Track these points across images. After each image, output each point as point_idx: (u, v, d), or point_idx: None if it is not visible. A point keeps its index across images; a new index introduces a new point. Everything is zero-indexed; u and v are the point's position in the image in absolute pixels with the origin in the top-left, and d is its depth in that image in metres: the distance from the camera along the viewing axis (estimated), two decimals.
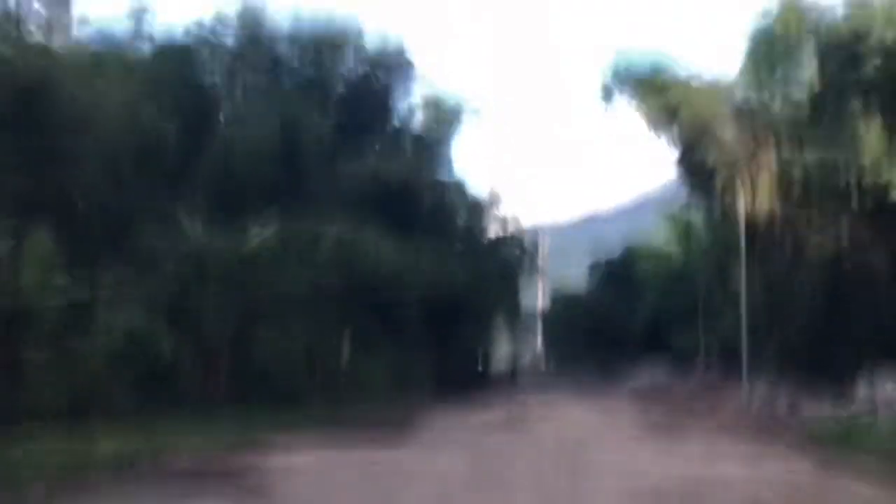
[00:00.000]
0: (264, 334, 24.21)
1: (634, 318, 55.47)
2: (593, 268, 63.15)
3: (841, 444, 17.62)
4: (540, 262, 57.79)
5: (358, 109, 38.42)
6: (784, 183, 26.74)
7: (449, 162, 45.57)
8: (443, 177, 46.13)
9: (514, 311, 53.28)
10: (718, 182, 28.61)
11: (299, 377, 24.51)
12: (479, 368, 60.48)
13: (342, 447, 16.05)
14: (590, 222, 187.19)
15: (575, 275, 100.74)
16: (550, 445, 16.61)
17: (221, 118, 34.33)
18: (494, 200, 54.07)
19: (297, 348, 24.79)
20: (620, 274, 59.54)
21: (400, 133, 42.21)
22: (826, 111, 25.48)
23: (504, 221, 54.79)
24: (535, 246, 55.52)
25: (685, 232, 52.43)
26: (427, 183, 41.89)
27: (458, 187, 49.11)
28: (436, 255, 34.94)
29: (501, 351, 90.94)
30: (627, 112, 32.57)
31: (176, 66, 33.31)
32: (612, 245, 65.38)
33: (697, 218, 53.75)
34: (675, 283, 51.62)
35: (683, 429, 21.41)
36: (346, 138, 36.15)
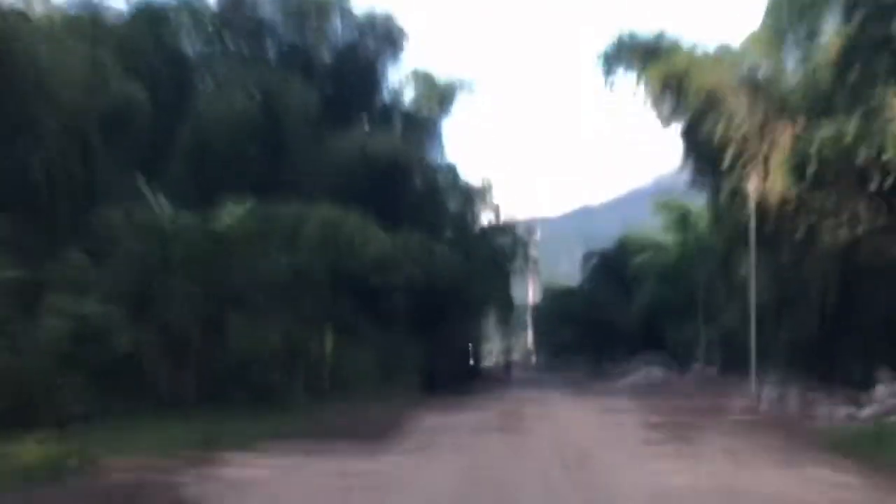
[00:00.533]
0: (239, 324, 22.05)
1: (629, 312, 53.46)
2: (587, 259, 61.07)
3: (875, 450, 15.64)
4: (532, 252, 55.71)
5: (345, 81, 36.20)
6: (798, 160, 24.69)
7: (440, 143, 43.53)
8: (434, 158, 44.06)
9: (506, 303, 51.16)
10: (726, 159, 26.55)
11: (278, 372, 22.37)
12: (471, 363, 58.62)
13: (316, 453, 13.90)
14: (582, 215, 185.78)
15: (566, 268, 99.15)
16: (555, 453, 14.49)
17: (199, 88, 32.07)
18: (487, 188, 52.10)
19: (276, 340, 22.64)
20: (615, 265, 57.53)
21: (389, 109, 40.03)
22: (848, 75, 23.27)
23: (496, 209, 52.82)
24: (528, 237, 53.48)
25: (682, 220, 50.49)
26: (417, 164, 39.82)
27: (450, 171, 47.02)
28: (426, 242, 32.79)
29: (493, 345, 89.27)
30: (628, 88, 30.58)
31: (152, 31, 31.12)
32: (605, 238, 63.41)
33: (696, 204, 52.12)
34: (673, 275, 49.68)
35: (693, 429, 19.40)
36: (333, 112, 33.92)
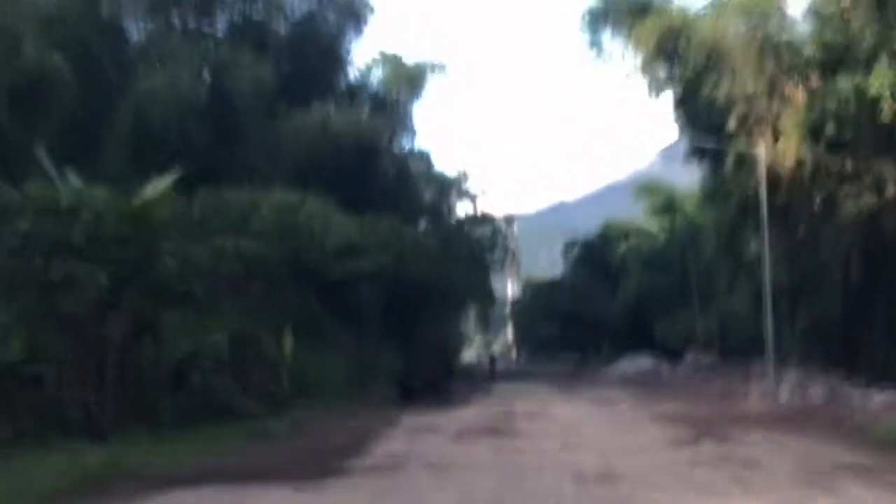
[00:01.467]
0: (175, 323, 18.20)
1: (614, 303, 49.97)
2: (567, 249, 57.35)
3: None
4: (512, 244, 52.15)
5: (304, 57, 32.31)
6: (814, 119, 21.32)
7: (411, 127, 39.74)
8: (405, 144, 40.43)
9: (486, 297, 47.51)
10: (731, 123, 23.11)
11: (224, 380, 18.50)
12: (451, 360, 54.94)
13: (247, 484, 10.12)
14: (558, 211, 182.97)
15: (544, 264, 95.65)
16: (567, 467, 10.83)
17: (140, 64, 28.11)
18: (463, 178, 48.57)
19: (221, 341, 18.78)
20: (597, 256, 54.03)
21: (356, 90, 36.19)
22: (872, 16, 19.91)
23: (474, 200, 49.25)
24: (507, 228, 49.91)
25: (667, 204, 47.14)
26: (387, 148, 36.13)
27: (423, 158, 43.45)
28: (395, 227, 29.04)
29: (473, 341, 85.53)
30: (614, 58, 27.16)
31: (86, 2, 27.37)
32: (582, 233, 59.47)
33: (680, 189, 48.79)
34: (660, 262, 46.26)
35: (717, 424, 15.87)
36: (292, 90, 30.07)
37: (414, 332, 39.29)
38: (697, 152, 27.93)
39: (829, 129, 20.72)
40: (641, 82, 26.45)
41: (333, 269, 24.82)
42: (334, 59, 33.95)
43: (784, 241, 23.64)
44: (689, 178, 49.87)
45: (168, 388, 16.87)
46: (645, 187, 49.70)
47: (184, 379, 17.26)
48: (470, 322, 66.25)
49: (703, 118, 25.39)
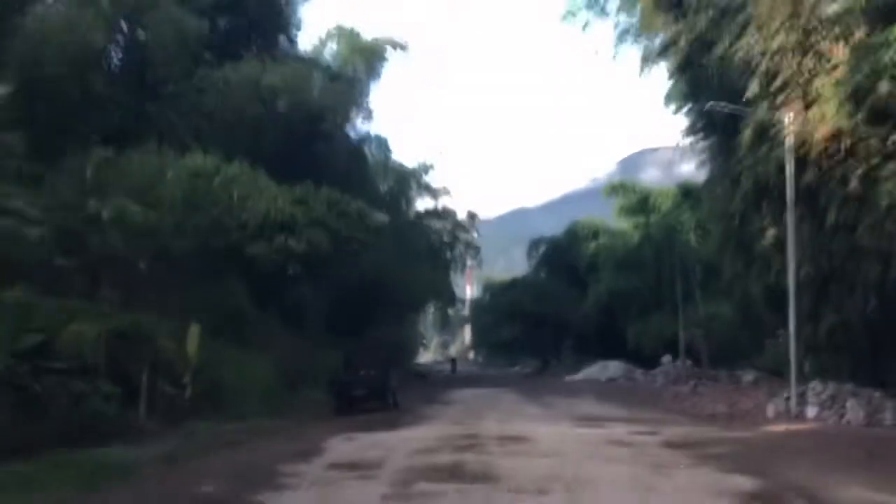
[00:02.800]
0: (29, 312, 12.77)
1: (582, 304, 45.12)
2: (532, 248, 52.28)
3: None
4: (474, 238, 47.10)
5: (242, 11, 26.91)
6: (858, 82, 16.63)
7: (368, 109, 34.41)
8: (361, 126, 35.19)
9: (445, 294, 42.43)
10: (753, 87, 18.34)
11: (96, 388, 13.08)
12: (403, 362, 49.59)
13: None
14: (518, 216, 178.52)
15: (503, 269, 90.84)
16: None
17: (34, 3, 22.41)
18: (423, 169, 43.52)
19: (95, 336, 13.36)
20: (564, 255, 49.10)
21: (307, 63, 30.63)
22: None
23: (435, 194, 44.18)
24: (470, 223, 44.94)
25: (642, 202, 42.55)
26: (339, 126, 30.86)
27: (381, 144, 38.21)
28: (337, 198, 23.66)
29: (430, 341, 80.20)
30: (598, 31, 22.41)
31: None
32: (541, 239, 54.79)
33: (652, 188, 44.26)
34: (634, 262, 41.55)
35: (772, 465, 10.92)
36: (226, 49, 24.73)
37: (365, 333, 34.06)
38: (705, 126, 23.13)
39: (882, 87, 15.99)
40: (632, 56, 21.58)
41: (256, 248, 19.42)
42: (276, 17, 28.45)
43: (811, 229, 18.91)
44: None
45: (34, 408, 11.44)
46: (617, 185, 45.10)
47: (22, 388, 11.78)
48: (427, 322, 61.18)
49: (712, 86, 20.60)
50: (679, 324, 36.47)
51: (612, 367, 38.65)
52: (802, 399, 18.06)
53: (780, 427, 16.29)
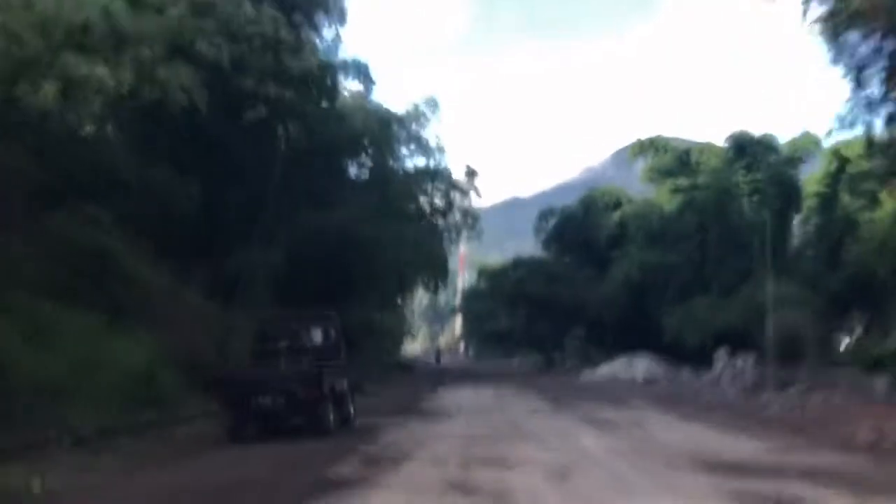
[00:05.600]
0: None
1: (599, 286, 36.16)
2: (542, 220, 42.81)
3: None
4: (471, 208, 37.70)
5: None
6: None
7: (341, 10, 25.10)
8: (327, 35, 25.90)
9: (438, 267, 33.18)
10: None
11: None
12: (387, 352, 40.42)
13: None
14: (512, 206, 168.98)
15: (496, 260, 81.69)
16: None
17: None
18: (414, 117, 34.25)
19: None
20: (579, 229, 39.91)
21: None
22: None
23: (427, 149, 34.91)
24: (469, 183, 35.57)
25: (681, 161, 33.56)
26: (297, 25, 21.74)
27: (360, 72, 28.82)
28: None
29: (417, 331, 70.73)
30: None
31: None
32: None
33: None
34: (671, 235, 32.59)
35: None
36: None
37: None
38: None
39: None
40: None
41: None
42: None
43: None
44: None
45: None
46: (646, 143, 36.02)
47: None
48: (417, 312, 52.00)
49: None
50: (733, 310, 27.58)
51: (643, 364, 29.65)
52: None
53: None
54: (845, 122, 16.40)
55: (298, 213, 23.93)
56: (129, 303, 13.36)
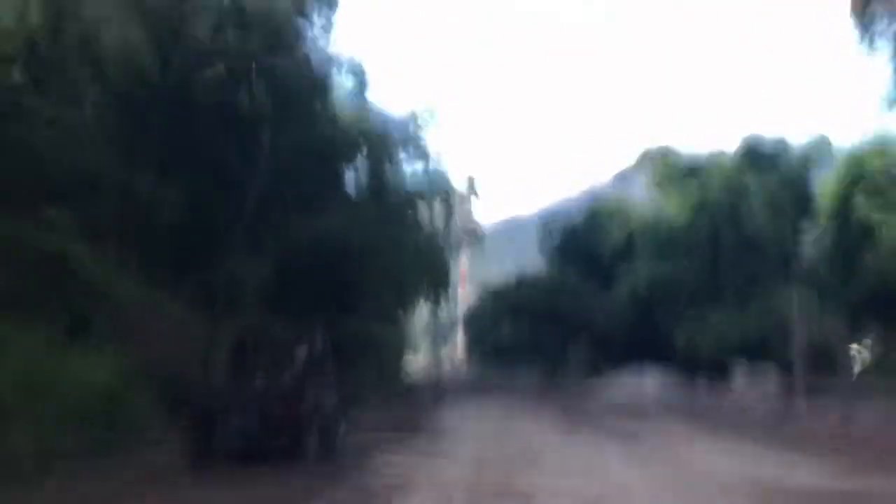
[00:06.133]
0: None
1: (605, 299, 34.53)
2: (545, 234, 41.23)
3: None
4: (470, 222, 36.16)
5: None
6: None
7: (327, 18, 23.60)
8: (320, 25, 24.35)
9: (440, 279, 31.60)
10: None
11: None
12: (390, 369, 38.50)
13: None
14: (512, 225, 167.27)
15: (496, 277, 79.89)
16: None
17: None
18: (414, 122, 32.81)
19: None
20: (583, 243, 38.35)
21: None
22: None
23: (426, 157, 33.47)
24: (470, 191, 34.11)
25: (690, 173, 32.12)
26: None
27: (353, 71, 27.34)
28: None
29: (419, 347, 68.69)
30: None
31: None
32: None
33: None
34: (681, 245, 31.02)
35: None
36: None
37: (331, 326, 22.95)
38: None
39: None
40: None
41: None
42: None
43: None
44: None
45: None
46: (654, 152, 34.60)
47: None
48: (416, 322, 50.11)
49: None
50: (749, 322, 26.06)
51: (654, 378, 28.08)
52: None
53: None
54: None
55: (289, 220, 22.43)
56: (95, 315, 11.83)
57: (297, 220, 22.40)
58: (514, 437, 12.93)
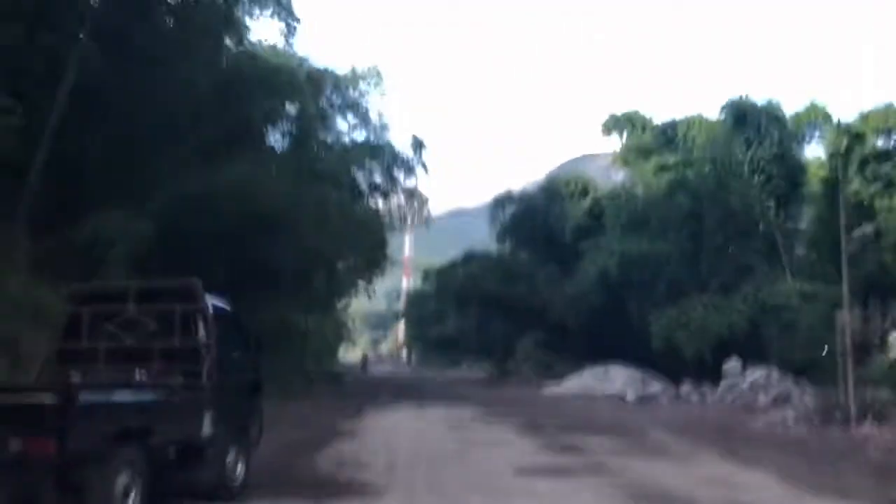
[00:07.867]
0: None
1: (568, 287, 30.06)
2: (497, 208, 36.32)
3: None
4: (417, 192, 31.07)
5: None
6: None
7: None
8: None
9: (376, 252, 26.51)
10: None
11: None
12: (319, 360, 33.09)
13: None
14: (457, 217, 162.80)
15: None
16: None
17: None
18: (353, 80, 28.04)
19: None
20: (540, 220, 33.78)
21: None
22: None
23: (366, 117, 28.58)
24: (417, 152, 28.99)
25: (665, 135, 27.88)
26: None
27: (277, 3, 22.04)
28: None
29: (357, 337, 63.25)
30: None
31: None
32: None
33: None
34: (657, 223, 26.67)
35: None
36: None
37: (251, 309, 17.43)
38: None
39: None
40: None
41: None
42: None
43: None
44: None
45: None
46: (622, 118, 30.21)
47: None
48: (353, 313, 44.89)
49: None
50: (737, 312, 21.90)
51: (622, 376, 23.70)
52: None
53: None
54: None
55: (185, 171, 17.18)
56: None
57: (194, 171, 17.28)
58: (468, 476, 8.12)
